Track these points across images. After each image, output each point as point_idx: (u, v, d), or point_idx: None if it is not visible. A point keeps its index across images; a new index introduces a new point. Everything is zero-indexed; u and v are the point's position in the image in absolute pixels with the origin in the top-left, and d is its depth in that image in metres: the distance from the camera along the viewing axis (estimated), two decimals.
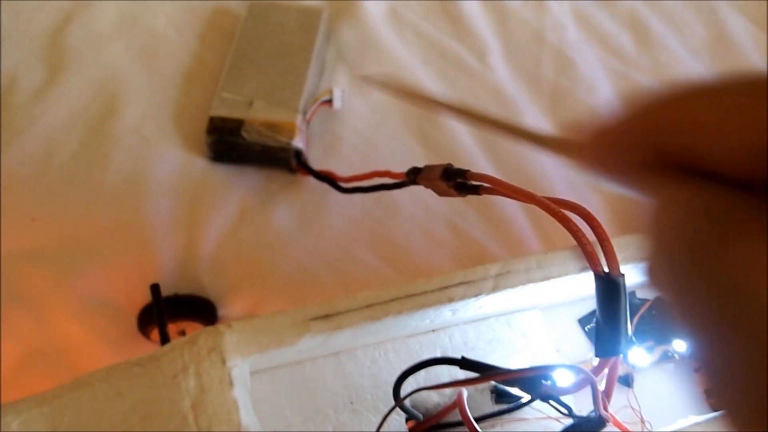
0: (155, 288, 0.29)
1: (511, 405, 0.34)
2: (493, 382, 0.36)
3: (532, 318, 0.37)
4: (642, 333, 0.39)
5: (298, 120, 0.53)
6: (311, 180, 0.54)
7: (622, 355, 0.30)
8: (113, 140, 0.55)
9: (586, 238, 0.30)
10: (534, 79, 0.61)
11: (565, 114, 0.60)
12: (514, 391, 0.35)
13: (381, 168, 0.47)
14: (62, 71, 0.57)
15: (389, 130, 0.57)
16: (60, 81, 0.56)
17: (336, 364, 0.35)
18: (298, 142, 0.53)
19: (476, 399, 0.35)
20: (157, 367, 0.27)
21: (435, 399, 0.35)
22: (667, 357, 0.39)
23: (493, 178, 0.35)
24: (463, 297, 0.29)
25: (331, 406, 0.34)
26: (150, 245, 0.53)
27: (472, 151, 0.57)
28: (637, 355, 0.39)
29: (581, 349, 0.37)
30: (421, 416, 0.34)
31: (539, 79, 0.61)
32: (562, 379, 0.31)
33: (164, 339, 0.29)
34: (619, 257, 0.30)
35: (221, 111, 0.54)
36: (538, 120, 0.59)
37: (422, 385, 0.36)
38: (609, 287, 0.30)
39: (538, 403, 0.35)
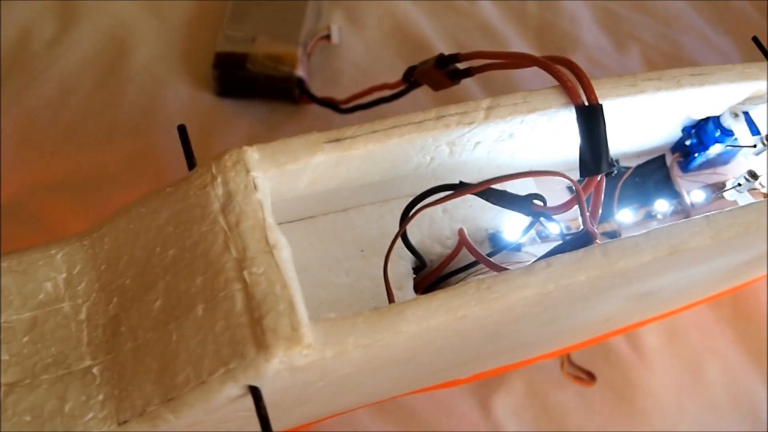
0: (182, 128, 0.32)
1: (506, 243, 0.37)
2: (488, 231, 0.39)
3: (525, 183, 0.40)
4: (627, 197, 0.42)
5: (300, 52, 0.57)
6: (314, 108, 0.58)
7: (604, 176, 0.33)
8: (125, 80, 0.58)
9: (567, 77, 0.34)
10: (519, 14, 0.65)
11: (549, 46, 0.64)
12: (509, 236, 0.38)
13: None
14: (74, 21, 0.60)
15: (384, 63, 0.61)
16: (72, 30, 0.60)
17: (346, 219, 0.38)
18: (299, 72, 0.56)
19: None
20: (187, 183, 0.30)
21: (438, 250, 0.38)
22: (650, 216, 0.42)
23: (485, 51, 0.38)
24: (458, 124, 0.32)
25: (343, 253, 0.37)
26: (164, 173, 0.56)
27: (466, 83, 0.60)
28: (624, 215, 0.42)
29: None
30: (424, 258, 0.37)
31: (524, 14, 0.65)
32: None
33: (192, 167, 0.32)
34: (596, 92, 0.33)
35: (226, 47, 0.57)
36: (525, 51, 0.63)
37: (425, 239, 0.39)
38: (589, 114, 0.33)
39: (532, 249, 0.39)
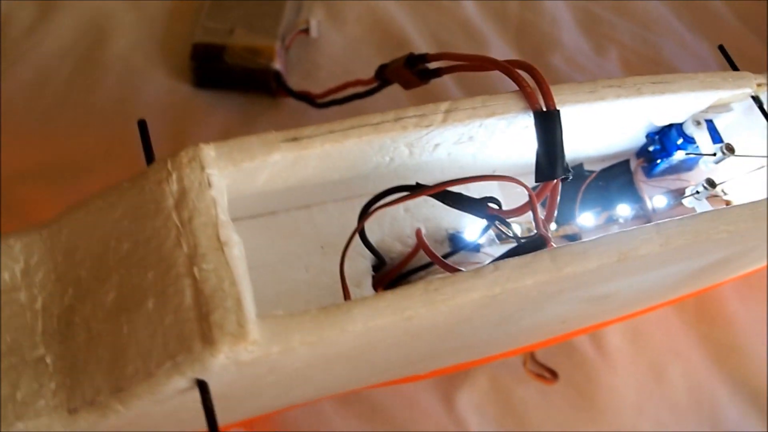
0: (142, 123, 0.32)
1: (464, 244, 0.38)
2: (448, 231, 0.39)
3: (487, 184, 0.41)
4: (590, 200, 0.43)
5: (277, 45, 0.57)
6: (290, 102, 0.58)
7: (560, 181, 0.34)
8: (103, 68, 0.58)
9: (527, 82, 0.34)
10: (500, 14, 0.65)
11: (529, 46, 0.64)
12: (470, 236, 0.39)
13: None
14: (53, 9, 0.60)
15: (363, 58, 0.61)
16: (51, 18, 0.60)
17: (307, 215, 0.38)
18: (277, 65, 0.56)
19: (436, 249, 0.39)
20: (144, 178, 0.30)
21: (398, 248, 0.39)
22: (612, 220, 0.43)
23: (451, 53, 0.39)
24: (416, 126, 0.33)
25: (303, 249, 0.38)
26: (138, 163, 0.56)
27: (443, 80, 0.61)
28: (585, 218, 0.42)
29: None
30: (383, 256, 0.37)
31: (505, 14, 0.65)
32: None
33: (150, 162, 0.32)
34: (555, 98, 0.34)
35: (204, 38, 0.57)
36: (503, 50, 0.63)
37: (386, 237, 0.39)
38: (546, 119, 0.33)
39: (491, 250, 0.39)
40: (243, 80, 0.58)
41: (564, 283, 0.32)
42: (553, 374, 0.51)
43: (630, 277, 0.36)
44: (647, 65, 0.64)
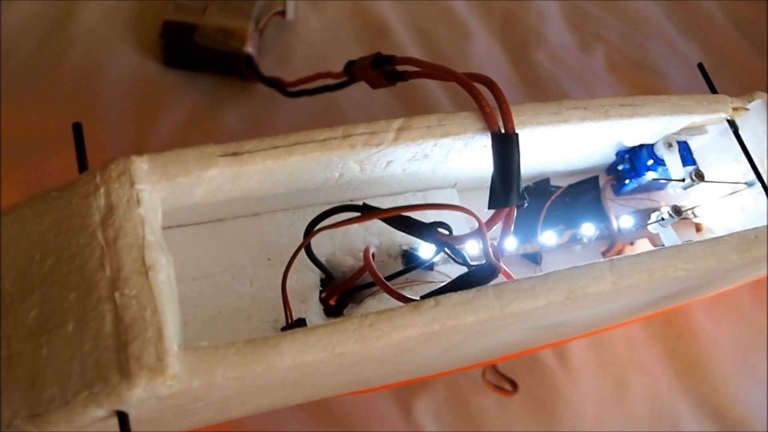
0: (77, 126, 0.31)
1: (416, 263, 0.36)
2: (402, 247, 0.38)
3: (448, 196, 0.39)
4: (554, 217, 0.41)
5: (251, 27, 0.55)
6: (261, 87, 0.56)
7: (514, 207, 0.32)
8: (69, 42, 0.56)
9: (486, 101, 0.32)
10: (485, 4, 0.63)
11: (514, 39, 0.62)
12: (424, 254, 0.37)
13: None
14: None
15: (341, 45, 0.59)
16: None
17: (256, 224, 0.37)
18: (249, 48, 0.54)
19: (388, 265, 0.38)
20: (72, 190, 0.29)
21: (350, 262, 0.38)
22: (575, 239, 0.42)
23: (416, 59, 0.37)
24: (365, 145, 0.31)
25: (249, 260, 0.36)
26: (101, 142, 0.55)
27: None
28: (547, 237, 0.41)
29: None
30: (331, 271, 0.36)
31: (490, 5, 0.63)
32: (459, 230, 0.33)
33: (82, 169, 0.31)
34: (515, 120, 0.32)
35: (175, 15, 0.55)
36: (487, 42, 0.61)
37: (337, 251, 0.38)
38: (503, 143, 0.32)
39: (445, 268, 0.38)
40: (213, 62, 0.56)
41: (510, 319, 0.30)
42: (514, 385, 0.50)
43: (582, 310, 0.34)
44: (632, 67, 0.63)
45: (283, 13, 0.58)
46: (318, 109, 0.56)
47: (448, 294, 0.29)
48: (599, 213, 0.42)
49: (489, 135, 0.32)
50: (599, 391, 0.52)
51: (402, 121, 0.32)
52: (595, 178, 0.43)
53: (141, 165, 0.29)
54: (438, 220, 0.33)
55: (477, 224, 0.32)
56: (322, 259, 0.36)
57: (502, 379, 0.50)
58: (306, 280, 0.36)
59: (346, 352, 0.27)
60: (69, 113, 0.54)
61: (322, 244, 0.37)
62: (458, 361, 0.39)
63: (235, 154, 0.30)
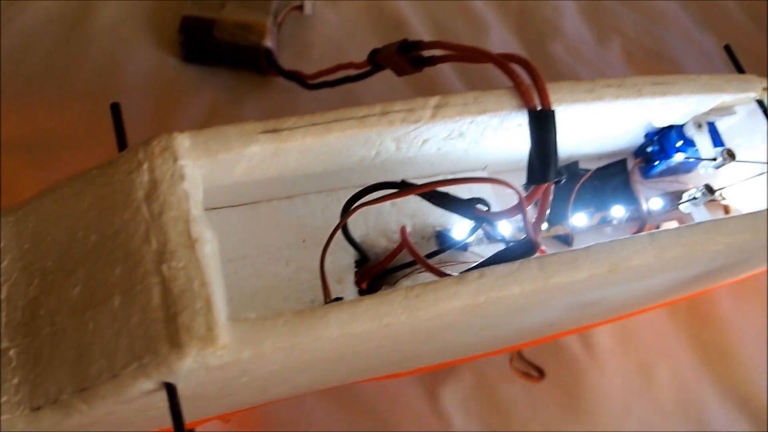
0: (115, 107, 0.31)
1: (451, 243, 0.36)
2: (436, 229, 0.38)
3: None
4: (584, 200, 0.41)
5: (269, 22, 0.55)
6: (281, 81, 0.56)
7: (552, 184, 0.32)
8: (88, 39, 0.56)
9: (522, 79, 0.32)
10: None
11: (530, 33, 0.63)
12: (457, 235, 0.37)
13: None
14: None
15: (358, 39, 0.59)
16: None
17: (290, 206, 0.37)
18: (268, 43, 0.55)
19: (422, 246, 0.38)
20: (113, 167, 0.29)
21: (383, 243, 0.38)
22: (605, 221, 0.42)
23: (445, 42, 0.37)
24: (403, 122, 0.31)
25: (285, 242, 0.36)
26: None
27: (442, 67, 0.59)
28: (578, 218, 0.41)
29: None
30: (366, 253, 0.36)
31: None
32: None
33: (122, 148, 0.31)
34: (551, 98, 0.32)
35: (194, 11, 0.55)
36: (503, 36, 0.61)
37: (371, 232, 0.38)
38: (541, 119, 0.32)
39: (478, 249, 0.38)
40: (232, 57, 0.56)
41: (552, 292, 0.30)
42: (540, 372, 0.50)
43: (621, 286, 0.34)
44: (650, 58, 0.63)
45: (300, 8, 0.58)
46: (337, 101, 0.56)
47: (491, 266, 0.29)
48: (628, 195, 0.42)
49: (524, 113, 0.33)
50: (625, 379, 0.51)
51: (439, 98, 0.32)
52: (624, 161, 0.43)
53: (183, 141, 0.29)
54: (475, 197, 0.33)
55: (509, 203, 0.32)
56: (357, 239, 0.36)
57: (528, 366, 0.50)
58: (341, 261, 0.36)
59: (393, 323, 0.27)
60: (90, 110, 0.54)
61: (356, 225, 0.37)
62: (492, 342, 0.39)
63: (275, 130, 0.30)
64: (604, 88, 0.34)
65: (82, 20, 0.57)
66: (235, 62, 0.56)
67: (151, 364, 0.25)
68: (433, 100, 0.32)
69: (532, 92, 0.32)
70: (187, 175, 0.28)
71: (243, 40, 0.55)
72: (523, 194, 0.31)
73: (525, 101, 0.32)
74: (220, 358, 0.25)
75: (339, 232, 0.34)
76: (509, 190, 0.32)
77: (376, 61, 0.44)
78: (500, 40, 0.61)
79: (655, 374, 0.52)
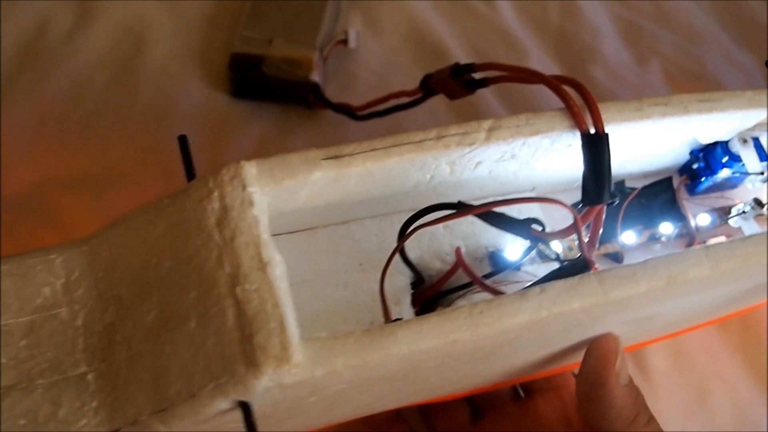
0: (182, 139, 0.32)
1: (504, 264, 0.37)
2: (488, 249, 0.39)
3: (529, 203, 0.40)
4: (631, 218, 0.42)
5: (316, 56, 0.57)
6: (328, 114, 0.58)
7: (605, 205, 0.33)
8: (140, 77, 0.58)
9: (574, 101, 0.33)
10: (540, 23, 0.64)
11: (570, 56, 0.64)
12: (510, 255, 0.38)
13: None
14: (91, 15, 0.60)
15: (400, 68, 0.61)
16: (89, 24, 0.60)
17: (346, 231, 0.38)
18: (315, 77, 0.56)
19: (475, 268, 0.38)
20: (185, 196, 0.30)
21: (437, 266, 0.38)
22: (654, 238, 0.42)
23: (498, 63, 0.38)
24: (459, 145, 0.32)
25: (342, 266, 0.37)
26: (175, 173, 0.56)
27: (483, 92, 0.60)
28: (627, 236, 0.42)
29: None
30: (422, 275, 0.37)
31: (546, 23, 0.64)
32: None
33: (191, 178, 0.32)
34: (603, 117, 0.33)
35: (243, 48, 0.57)
36: (543, 61, 0.63)
37: (425, 254, 0.39)
38: (594, 142, 0.33)
39: (531, 269, 0.39)
40: (281, 91, 0.57)
41: (610, 306, 0.31)
42: None
43: (675, 300, 0.35)
44: (690, 78, 0.63)
45: (345, 42, 0.60)
46: (382, 131, 0.57)
47: (551, 282, 0.30)
48: (675, 212, 0.42)
49: (575, 133, 0.33)
50: (681, 401, 0.51)
51: (492, 121, 0.33)
52: (669, 179, 0.44)
53: (250, 169, 0.30)
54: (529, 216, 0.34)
55: (557, 222, 0.33)
56: (412, 261, 0.37)
57: None
58: (397, 282, 0.37)
59: (459, 339, 0.28)
60: (142, 147, 0.56)
61: (410, 248, 0.38)
62: (548, 362, 0.40)
63: (336, 156, 0.31)
64: (651, 106, 0.35)
65: (134, 59, 0.59)
66: (282, 97, 0.58)
67: (228, 384, 0.26)
68: (487, 123, 0.33)
69: (585, 114, 0.33)
70: (255, 202, 0.29)
71: (291, 75, 0.56)
72: (578, 215, 0.32)
73: (578, 124, 0.33)
74: (294, 376, 0.26)
75: (395, 256, 0.35)
76: (557, 211, 0.33)
77: (429, 87, 0.45)
78: (540, 65, 0.62)
79: (710, 396, 0.52)
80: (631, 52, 0.64)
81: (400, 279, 0.38)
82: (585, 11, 0.65)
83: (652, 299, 0.32)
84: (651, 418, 0.37)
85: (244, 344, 0.26)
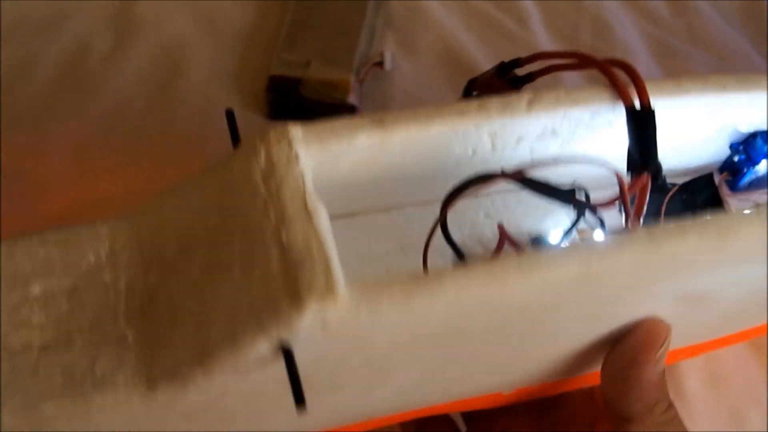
0: (230, 113, 0.33)
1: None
2: (531, 235, 0.39)
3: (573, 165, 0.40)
4: (673, 214, 0.42)
5: (352, 79, 0.58)
6: None
7: (649, 178, 0.33)
8: (178, 100, 0.60)
9: (621, 79, 0.34)
10: (572, 43, 0.65)
11: (601, 75, 0.64)
12: (553, 241, 0.38)
13: None
14: (130, 38, 0.62)
15: (435, 89, 0.61)
16: (128, 47, 0.62)
17: (387, 217, 0.38)
18: (352, 99, 0.57)
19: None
20: (232, 157, 0.30)
21: (479, 252, 0.38)
22: None
23: (546, 52, 0.39)
24: (500, 114, 0.32)
25: (383, 249, 0.37)
26: None
27: None
28: None
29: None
30: (464, 253, 0.37)
31: (578, 43, 0.65)
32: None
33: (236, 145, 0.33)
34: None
35: (281, 70, 0.58)
36: (575, 80, 0.63)
37: (467, 239, 0.39)
38: (640, 117, 0.33)
39: None
40: (318, 114, 0.57)
41: (661, 266, 0.30)
42: None
43: (726, 271, 0.34)
44: None
45: (381, 64, 0.61)
46: None
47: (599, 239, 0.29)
48: (718, 209, 0.42)
49: (615, 110, 0.34)
50: (716, 425, 0.50)
51: (533, 92, 0.33)
52: (710, 175, 0.43)
53: (296, 131, 0.30)
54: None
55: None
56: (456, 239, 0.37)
57: None
58: (438, 265, 0.37)
59: (506, 285, 0.28)
60: (181, 169, 0.57)
61: (451, 234, 0.38)
62: (590, 354, 0.39)
63: (381, 121, 0.32)
64: (690, 83, 0.35)
65: (172, 81, 0.60)
66: (320, 118, 0.59)
67: (270, 321, 0.26)
68: (527, 95, 0.33)
69: (631, 90, 0.33)
70: (301, 158, 0.29)
71: (328, 98, 0.57)
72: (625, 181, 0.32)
73: (623, 98, 0.33)
74: (338, 315, 0.26)
75: (439, 234, 0.35)
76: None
77: (473, 91, 0.45)
78: (573, 83, 0.62)
79: (746, 420, 0.51)
80: (663, 72, 0.65)
81: (441, 263, 0.37)
82: (616, 30, 0.66)
83: (703, 263, 0.32)
84: (670, 405, 0.36)
85: (289, 283, 0.26)
